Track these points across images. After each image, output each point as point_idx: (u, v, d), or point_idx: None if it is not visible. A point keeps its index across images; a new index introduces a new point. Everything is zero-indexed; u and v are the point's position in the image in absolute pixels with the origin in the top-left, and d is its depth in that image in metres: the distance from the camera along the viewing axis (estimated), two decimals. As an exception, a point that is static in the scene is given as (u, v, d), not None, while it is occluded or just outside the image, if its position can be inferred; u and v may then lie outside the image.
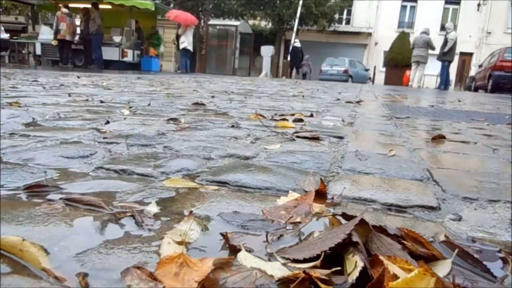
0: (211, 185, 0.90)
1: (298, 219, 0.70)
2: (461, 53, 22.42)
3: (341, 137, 1.69)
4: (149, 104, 2.62)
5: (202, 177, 0.96)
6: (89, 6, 11.20)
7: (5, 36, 10.99)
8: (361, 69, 19.35)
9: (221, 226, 0.67)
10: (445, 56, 11.30)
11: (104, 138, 1.39)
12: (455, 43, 11.04)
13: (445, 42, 11.17)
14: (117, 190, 0.82)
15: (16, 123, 1.59)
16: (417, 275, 0.44)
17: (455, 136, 1.98)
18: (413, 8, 24.53)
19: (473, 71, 19.18)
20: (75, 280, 0.47)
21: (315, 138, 1.59)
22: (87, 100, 2.70)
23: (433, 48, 11.42)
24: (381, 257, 0.49)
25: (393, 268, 0.47)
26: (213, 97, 3.63)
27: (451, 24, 11.82)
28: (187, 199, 0.79)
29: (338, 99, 4.37)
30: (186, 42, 11.83)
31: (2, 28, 11.08)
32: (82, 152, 1.15)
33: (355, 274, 0.47)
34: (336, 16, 23.29)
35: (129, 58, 12.19)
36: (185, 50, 12.04)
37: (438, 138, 1.81)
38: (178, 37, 12.34)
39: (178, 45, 12.42)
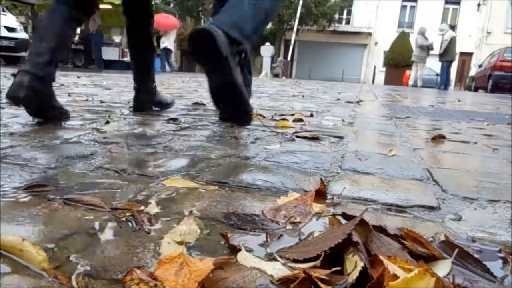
0: (211, 185, 0.90)
1: (298, 219, 0.70)
2: (461, 53, 22.44)
3: (341, 137, 1.70)
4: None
5: (202, 177, 0.96)
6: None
7: (25, 36, 10.24)
8: (427, 73, 19.13)
9: (221, 226, 0.67)
10: (442, 57, 11.38)
11: (104, 138, 1.39)
12: (450, 43, 11.10)
13: (441, 43, 11.29)
14: (117, 190, 0.82)
15: (16, 123, 1.59)
16: (417, 275, 0.44)
17: (455, 136, 1.98)
18: (413, 8, 24.54)
19: (473, 71, 19.18)
20: (75, 280, 0.47)
21: (315, 138, 1.59)
22: (87, 100, 2.70)
23: (422, 47, 11.46)
24: (381, 257, 0.49)
25: (393, 268, 0.47)
26: (213, 97, 3.63)
27: (445, 26, 11.89)
28: (187, 199, 0.79)
29: (338, 99, 4.37)
30: (167, 42, 11.92)
31: (22, 27, 10.57)
32: (82, 152, 1.15)
33: (355, 274, 0.47)
34: (336, 16, 23.31)
35: (129, 58, 12.19)
36: (166, 49, 12.11)
37: (438, 138, 1.81)
38: (158, 38, 12.46)
39: (158, 45, 12.52)
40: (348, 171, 1.11)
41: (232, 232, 0.63)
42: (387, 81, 17.11)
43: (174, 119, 1.92)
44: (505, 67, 11.60)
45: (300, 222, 0.69)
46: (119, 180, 0.90)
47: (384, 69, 20.16)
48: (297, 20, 19.10)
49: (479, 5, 23.27)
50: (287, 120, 2.10)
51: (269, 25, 22.86)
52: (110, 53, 11.70)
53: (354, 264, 0.49)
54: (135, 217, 0.67)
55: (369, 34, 24.91)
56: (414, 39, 12.05)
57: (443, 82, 11.67)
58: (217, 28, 1.24)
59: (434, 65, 13.51)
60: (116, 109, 2.28)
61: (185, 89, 4.53)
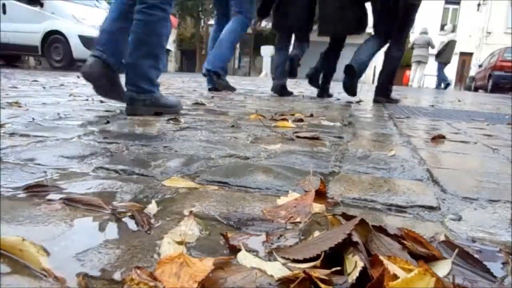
0: (211, 185, 0.90)
1: (298, 219, 0.70)
2: (461, 53, 22.43)
3: (341, 137, 1.70)
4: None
5: (202, 177, 0.96)
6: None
7: None
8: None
9: (221, 226, 0.67)
10: (438, 57, 11.49)
11: (104, 138, 1.39)
12: (447, 45, 11.18)
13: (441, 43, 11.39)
14: (117, 190, 0.82)
15: (16, 123, 1.59)
16: (417, 275, 0.44)
17: (455, 136, 1.98)
18: (413, 8, 24.47)
19: (473, 71, 19.18)
20: (75, 280, 0.47)
21: (315, 138, 1.59)
22: (87, 100, 2.70)
23: (433, 47, 11.57)
24: (381, 257, 0.49)
25: (393, 268, 0.47)
26: (213, 97, 3.63)
27: (449, 27, 11.96)
28: (187, 199, 0.79)
29: (338, 99, 4.37)
30: None
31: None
32: (82, 152, 1.15)
33: (355, 274, 0.47)
34: (336, 16, 23.25)
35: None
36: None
37: (438, 138, 1.81)
38: None
39: None
40: (348, 171, 1.11)
41: (232, 232, 0.63)
42: (387, 81, 17.08)
43: (174, 119, 1.92)
44: (505, 67, 11.60)
45: (300, 222, 0.69)
46: (119, 180, 0.90)
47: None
48: (297, 20, 19.05)
49: (479, 5, 23.25)
50: (287, 120, 2.10)
51: (270, 25, 22.85)
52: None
53: (354, 264, 0.49)
54: (135, 217, 0.67)
55: (369, 34, 24.88)
56: (415, 39, 12.02)
57: (440, 82, 11.77)
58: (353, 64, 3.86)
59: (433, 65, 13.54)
60: (116, 109, 2.28)
61: (185, 89, 4.53)
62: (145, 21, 1.95)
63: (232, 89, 4.36)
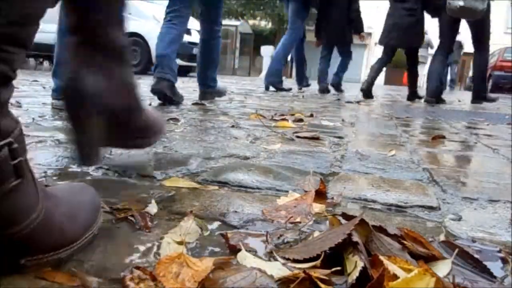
0: (211, 185, 0.90)
1: (298, 219, 0.70)
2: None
3: (341, 137, 1.70)
4: (150, 104, 2.62)
5: (202, 177, 0.96)
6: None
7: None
8: None
9: (221, 226, 0.67)
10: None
11: (104, 138, 1.39)
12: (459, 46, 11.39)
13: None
14: (117, 190, 0.82)
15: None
16: (417, 275, 0.44)
17: (455, 136, 1.98)
18: (413, 8, 24.47)
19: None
20: (76, 280, 0.47)
21: (315, 138, 1.59)
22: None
23: (432, 47, 11.67)
24: (381, 257, 0.49)
25: (393, 268, 0.47)
26: (213, 97, 3.63)
27: None
28: (187, 199, 0.79)
29: (338, 99, 4.38)
30: None
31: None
32: (82, 152, 1.15)
33: (355, 274, 0.47)
34: (336, 16, 23.27)
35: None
36: None
37: (438, 138, 1.81)
38: None
39: None
40: (348, 171, 1.11)
41: (232, 232, 0.63)
42: (387, 81, 17.11)
43: (174, 119, 1.92)
44: (505, 67, 11.60)
45: (300, 222, 0.69)
46: (119, 180, 0.90)
47: (384, 69, 20.10)
48: (297, 20, 19.06)
49: (479, 5, 23.25)
50: (287, 120, 2.10)
51: (270, 25, 22.83)
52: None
53: (354, 264, 0.49)
54: (135, 217, 0.67)
55: (369, 34, 24.85)
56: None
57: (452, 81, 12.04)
58: None
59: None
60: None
61: (185, 89, 4.52)
62: (210, 45, 3.00)
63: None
